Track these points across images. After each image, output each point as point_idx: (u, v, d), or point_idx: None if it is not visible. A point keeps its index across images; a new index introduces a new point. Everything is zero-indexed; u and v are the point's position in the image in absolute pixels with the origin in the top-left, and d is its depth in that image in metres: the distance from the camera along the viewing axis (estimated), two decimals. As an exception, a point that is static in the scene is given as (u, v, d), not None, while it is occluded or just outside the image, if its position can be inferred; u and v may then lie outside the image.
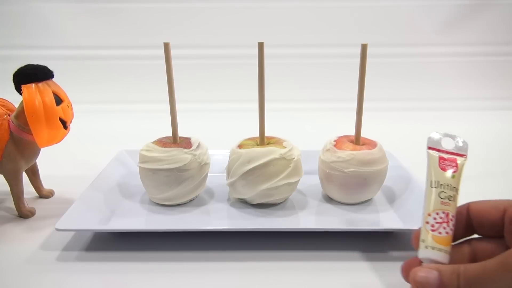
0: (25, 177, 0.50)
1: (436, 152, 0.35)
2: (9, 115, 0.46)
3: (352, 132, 0.49)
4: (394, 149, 0.58)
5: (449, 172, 0.34)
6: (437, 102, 0.98)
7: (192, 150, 0.47)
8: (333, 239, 0.43)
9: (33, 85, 0.43)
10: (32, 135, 0.44)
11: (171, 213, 0.48)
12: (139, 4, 0.97)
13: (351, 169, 0.46)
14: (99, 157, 0.64)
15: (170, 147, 0.47)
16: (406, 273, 0.32)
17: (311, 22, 0.99)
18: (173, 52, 0.46)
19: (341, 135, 0.51)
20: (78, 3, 0.96)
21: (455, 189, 0.34)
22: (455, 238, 0.34)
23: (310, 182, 0.54)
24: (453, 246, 0.34)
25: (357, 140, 0.49)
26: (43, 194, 0.54)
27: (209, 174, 0.51)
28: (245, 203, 0.50)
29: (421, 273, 0.30)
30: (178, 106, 0.49)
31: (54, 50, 0.97)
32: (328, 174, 0.48)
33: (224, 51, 0.99)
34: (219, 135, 0.68)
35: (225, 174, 0.50)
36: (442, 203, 0.33)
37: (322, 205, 0.50)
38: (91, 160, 0.67)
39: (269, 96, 0.48)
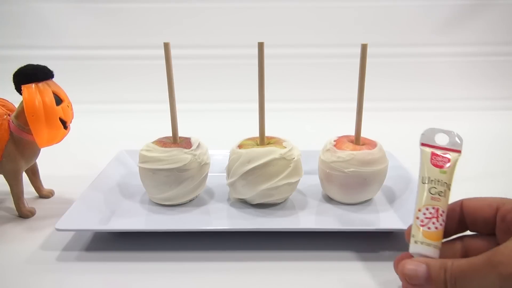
0: (25, 177, 0.50)
1: (429, 148, 0.35)
2: (9, 115, 0.46)
3: (352, 132, 0.49)
4: (394, 149, 0.58)
5: (440, 168, 0.34)
6: (437, 102, 0.98)
7: (192, 150, 0.47)
8: (333, 239, 0.43)
9: (33, 85, 0.43)
10: (32, 135, 0.44)
11: (171, 213, 0.48)
12: (139, 4, 0.97)
13: (351, 169, 0.46)
14: (99, 157, 0.64)
15: (170, 147, 0.47)
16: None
17: (311, 22, 0.99)
18: (173, 52, 0.46)
19: (341, 135, 0.51)
20: (78, 3, 0.96)
21: (447, 185, 0.34)
22: (447, 234, 0.35)
23: (310, 182, 0.54)
24: (445, 242, 0.35)
25: (357, 140, 0.49)
26: (43, 194, 0.54)
27: (209, 174, 0.51)
28: (245, 203, 0.50)
29: (409, 265, 0.31)
30: (178, 106, 0.49)
31: (54, 50, 0.97)
32: (328, 174, 0.48)
33: (224, 51, 0.99)
34: (219, 135, 0.68)
35: (225, 174, 0.50)
36: (433, 198, 0.33)
37: (322, 205, 0.50)
38: (91, 160, 0.67)
39: (269, 96, 0.48)
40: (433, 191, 0.33)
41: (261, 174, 0.46)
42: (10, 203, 0.50)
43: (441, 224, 0.32)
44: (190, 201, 0.50)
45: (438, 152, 0.35)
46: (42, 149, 0.48)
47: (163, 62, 0.46)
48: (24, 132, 0.45)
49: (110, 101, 0.98)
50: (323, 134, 0.55)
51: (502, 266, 0.27)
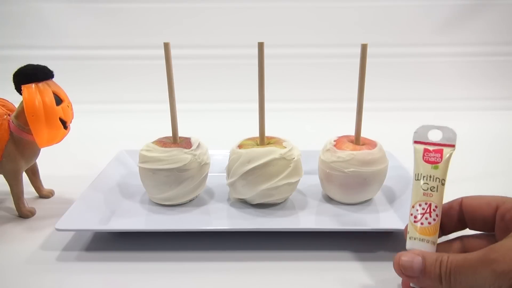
0: (25, 177, 0.50)
1: (422, 145, 0.36)
2: (9, 115, 0.46)
3: (352, 132, 0.49)
4: (394, 149, 0.58)
5: (432, 164, 0.34)
6: (437, 102, 0.98)
7: (192, 150, 0.47)
8: (333, 239, 0.43)
9: (33, 85, 0.43)
10: (32, 135, 0.44)
11: (171, 213, 0.48)
12: (139, 4, 0.97)
13: (351, 169, 0.46)
14: (99, 157, 0.64)
15: (170, 147, 0.47)
16: None
17: (311, 22, 0.99)
18: (173, 52, 0.46)
19: (341, 135, 0.51)
20: (78, 3, 0.96)
21: (439, 180, 0.34)
22: (447, 231, 0.35)
23: (310, 182, 0.54)
24: (444, 242, 0.35)
25: (357, 140, 0.49)
26: (43, 194, 0.54)
27: (209, 174, 0.51)
28: (245, 203, 0.50)
29: (405, 257, 0.31)
30: (178, 106, 0.49)
31: (54, 50, 0.98)
32: (328, 174, 0.48)
33: (224, 51, 0.99)
34: (219, 135, 0.68)
35: (225, 174, 0.50)
36: (425, 194, 0.34)
37: (322, 205, 0.50)
38: (91, 160, 0.67)
39: (269, 96, 0.48)
40: (425, 187, 0.34)
41: (261, 174, 0.46)
42: (10, 203, 0.50)
43: (434, 219, 0.33)
44: (190, 201, 0.50)
45: (431, 148, 0.35)
46: (42, 149, 0.48)
47: (163, 62, 0.46)
48: (24, 132, 0.45)
49: (110, 101, 0.98)
50: (323, 134, 0.55)
51: (497, 263, 0.27)
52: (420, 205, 0.33)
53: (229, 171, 0.49)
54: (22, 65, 0.44)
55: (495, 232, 0.33)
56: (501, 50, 0.99)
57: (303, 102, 0.98)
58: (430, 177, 0.34)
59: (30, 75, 0.43)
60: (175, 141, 0.49)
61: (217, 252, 0.42)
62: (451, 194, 0.35)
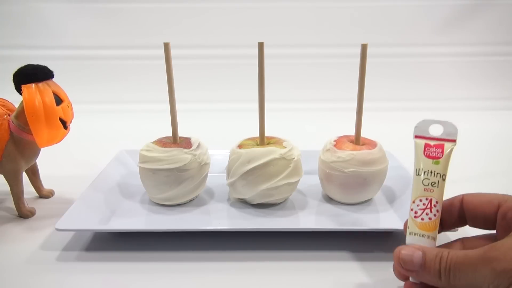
0: (25, 177, 0.50)
1: (423, 139, 0.35)
2: (9, 115, 0.46)
3: (352, 132, 0.49)
4: (394, 149, 0.58)
5: (433, 159, 0.34)
6: (437, 102, 0.98)
7: (192, 150, 0.47)
8: (333, 239, 0.43)
9: (33, 85, 0.43)
10: (32, 135, 0.44)
11: (171, 213, 0.48)
12: (139, 4, 0.97)
13: (351, 169, 0.46)
14: (99, 157, 0.64)
15: (170, 147, 0.47)
16: None
17: (311, 22, 0.99)
18: (173, 52, 0.46)
19: (341, 135, 0.51)
20: (78, 3, 0.96)
21: (440, 175, 0.34)
22: (446, 227, 0.35)
23: (310, 182, 0.54)
24: (445, 243, 0.35)
25: (357, 140, 0.49)
26: (43, 194, 0.54)
27: (209, 174, 0.51)
28: (245, 203, 0.50)
29: (405, 251, 0.31)
30: (178, 106, 0.49)
31: (54, 50, 0.98)
32: (328, 174, 0.48)
33: (224, 51, 0.99)
34: (219, 135, 0.68)
35: (225, 174, 0.50)
36: (425, 189, 0.34)
37: (322, 205, 0.50)
38: (91, 160, 0.67)
39: (269, 96, 0.48)
40: (425, 182, 0.34)
41: (261, 174, 0.46)
42: (10, 203, 0.50)
43: (434, 215, 0.33)
44: (190, 201, 0.50)
45: (432, 143, 0.35)
46: (42, 149, 0.48)
47: (163, 62, 0.46)
48: (24, 132, 0.45)
49: (110, 101, 0.98)
50: (323, 134, 0.55)
51: (497, 262, 0.27)
52: (420, 200, 0.33)
53: (229, 171, 0.49)
54: (22, 65, 0.44)
55: (496, 230, 0.33)
56: (501, 50, 0.99)
57: (303, 102, 0.98)
58: (431, 172, 0.34)
59: (30, 75, 0.43)
60: (175, 141, 0.49)
61: (217, 252, 0.42)
62: (451, 194, 0.35)
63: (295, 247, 0.43)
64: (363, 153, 0.47)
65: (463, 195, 0.34)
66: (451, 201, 0.35)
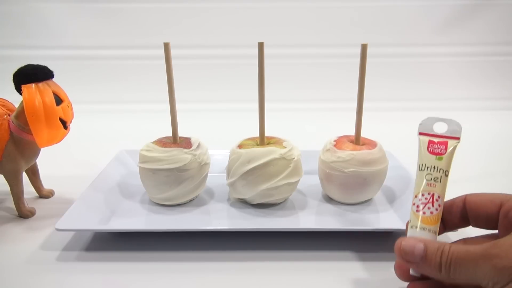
0: (25, 177, 0.50)
1: (427, 136, 0.36)
2: (9, 115, 0.46)
3: (352, 132, 0.49)
4: (394, 149, 0.58)
5: (437, 155, 0.34)
6: (437, 102, 0.98)
7: (192, 150, 0.47)
8: (333, 239, 0.43)
9: (33, 85, 0.43)
10: (32, 135, 0.44)
11: (171, 213, 0.48)
12: (139, 4, 0.97)
13: (351, 169, 0.46)
14: (99, 157, 0.64)
15: (170, 147, 0.47)
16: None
17: (311, 22, 0.99)
18: (173, 52, 0.46)
19: (341, 135, 0.51)
20: (78, 3, 0.96)
21: (443, 171, 0.34)
22: (449, 228, 0.35)
23: (310, 182, 0.54)
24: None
25: (357, 140, 0.49)
26: (43, 194, 0.54)
27: (209, 174, 0.51)
28: (245, 203, 0.50)
29: (406, 242, 0.31)
30: (178, 106, 0.49)
31: (54, 50, 0.98)
32: (328, 174, 0.48)
33: (224, 51, 0.99)
34: (219, 135, 0.68)
35: (225, 174, 0.50)
36: (428, 184, 0.34)
37: (322, 205, 0.50)
38: (91, 160, 0.67)
39: (269, 96, 0.48)
40: (428, 177, 0.34)
41: (261, 174, 0.46)
42: (10, 203, 0.50)
43: (436, 209, 0.33)
44: (190, 201, 0.50)
45: (435, 140, 0.35)
46: (42, 149, 0.48)
47: (163, 62, 0.46)
48: (24, 132, 0.45)
49: (110, 101, 0.98)
50: (323, 134, 0.55)
51: (498, 259, 0.27)
52: (423, 195, 0.34)
53: (229, 171, 0.49)
54: (22, 65, 0.44)
55: (498, 229, 0.33)
56: (501, 50, 0.99)
57: (303, 102, 0.98)
58: (434, 168, 0.34)
59: (30, 75, 0.43)
60: (175, 141, 0.49)
61: (217, 252, 0.42)
62: (451, 194, 0.35)
63: (295, 247, 0.43)
64: (363, 153, 0.47)
65: (465, 195, 0.34)
66: (453, 201, 0.35)
